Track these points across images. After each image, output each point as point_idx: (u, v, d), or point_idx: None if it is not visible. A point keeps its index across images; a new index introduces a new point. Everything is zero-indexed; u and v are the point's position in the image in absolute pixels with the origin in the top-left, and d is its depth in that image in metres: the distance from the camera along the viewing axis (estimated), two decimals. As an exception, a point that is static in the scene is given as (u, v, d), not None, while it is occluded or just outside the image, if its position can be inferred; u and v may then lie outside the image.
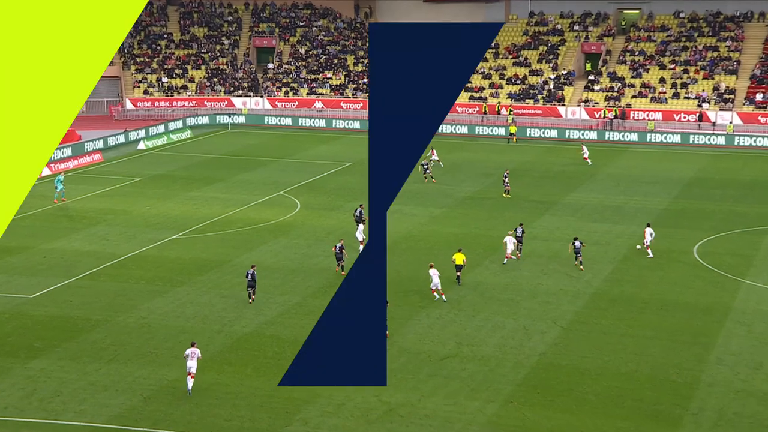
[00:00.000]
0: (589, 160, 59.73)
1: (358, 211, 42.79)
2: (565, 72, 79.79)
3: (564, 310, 33.26)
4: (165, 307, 33.20)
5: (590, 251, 40.55)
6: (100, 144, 63.92)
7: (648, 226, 40.21)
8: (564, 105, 76.45)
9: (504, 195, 50.21)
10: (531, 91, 78.34)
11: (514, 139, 68.66)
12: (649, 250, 39.32)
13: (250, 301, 33.55)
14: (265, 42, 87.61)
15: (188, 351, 26.56)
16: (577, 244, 38.29)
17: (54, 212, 46.73)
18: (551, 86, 78.49)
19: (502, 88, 79.30)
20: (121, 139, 66.37)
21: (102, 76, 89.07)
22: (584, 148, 61.32)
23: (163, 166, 59.19)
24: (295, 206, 48.49)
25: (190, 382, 26.14)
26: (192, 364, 26.08)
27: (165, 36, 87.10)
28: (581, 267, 37.76)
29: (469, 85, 79.96)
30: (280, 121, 75.42)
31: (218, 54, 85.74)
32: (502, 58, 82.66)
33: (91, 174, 56.74)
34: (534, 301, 34.32)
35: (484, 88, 79.54)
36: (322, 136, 70.76)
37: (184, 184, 53.67)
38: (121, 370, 27.78)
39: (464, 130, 72.74)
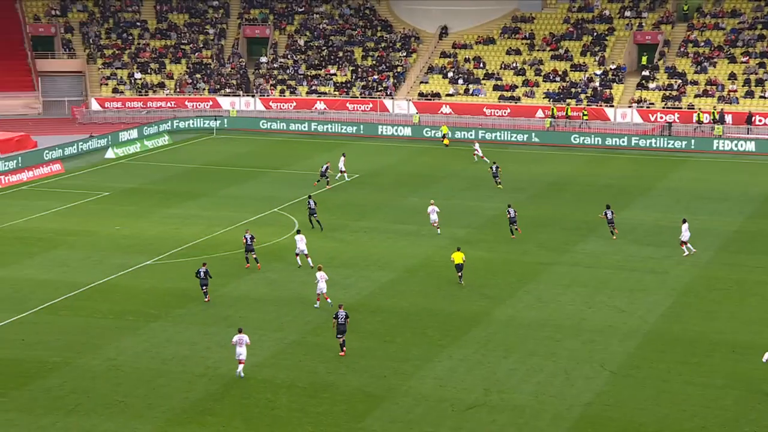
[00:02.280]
0: (485, 158, 62.79)
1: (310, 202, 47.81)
2: (613, 67, 79.91)
3: (613, 352, 33.04)
4: (137, 347, 33.18)
5: (645, 280, 40.35)
6: (59, 152, 64.34)
7: (684, 222, 43.65)
8: (612, 106, 76.46)
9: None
10: (573, 90, 78.43)
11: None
12: (684, 248, 43.11)
13: (206, 300, 37.43)
14: (258, 31, 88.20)
15: (236, 338, 31.06)
16: (609, 214, 45.57)
17: (3, 234, 46.94)
18: (597, 84, 78.58)
19: (538, 86, 79.46)
20: (86, 146, 66.78)
21: (63, 72, 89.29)
22: (476, 145, 64.76)
23: (135, 178, 59.43)
24: (292, 225, 48.55)
25: (240, 367, 30.81)
26: (241, 351, 30.89)
27: (138, 24, 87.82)
28: (614, 235, 45.53)
29: (498, 82, 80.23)
30: (274, 125, 75.66)
31: (201, 46, 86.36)
32: (538, 50, 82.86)
33: (50, 188, 57.04)
34: (577, 340, 34.12)
35: (516, 86, 79.72)
36: (324, 143, 70.87)
37: (160, 200, 53.83)
38: (83, 423, 27.70)
39: (493, 135, 72.72)
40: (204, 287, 37.45)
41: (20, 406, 28.69)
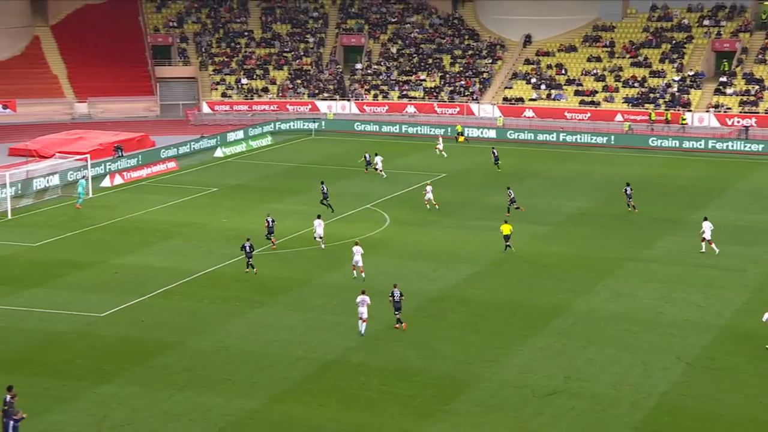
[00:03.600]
0: (444, 153, 64.02)
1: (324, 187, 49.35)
2: (691, 73, 77.87)
3: (690, 344, 32.28)
4: (242, 330, 33.77)
5: (721, 277, 39.28)
6: (174, 151, 65.77)
7: (705, 219, 42.73)
8: (690, 111, 74.53)
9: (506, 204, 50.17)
10: (651, 95, 76.73)
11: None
12: (702, 245, 41.98)
13: (255, 271, 39.42)
14: (353, 40, 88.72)
15: (359, 299, 32.69)
16: (629, 190, 49.41)
17: (126, 224, 48.27)
18: (675, 89, 76.68)
19: (617, 91, 77.97)
20: (197, 145, 68.13)
21: (178, 77, 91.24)
22: (440, 140, 65.90)
23: (241, 175, 60.41)
24: (384, 221, 48.73)
25: (363, 326, 32.55)
26: (363, 310, 32.52)
27: (245, 34, 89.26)
28: (635, 209, 49.22)
29: (579, 88, 79.01)
30: (367, 127, 76.02)
31: (302, 53, 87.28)
32: (618, 57, 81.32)
33: (165, 183, 58.39)
34: (654, 332, 33.44)
35: (596, 92, 78.39)
36: (414, 143, 70.91)
37: (263, 196, 54.61)
38: (195, 398, 28.33)
39: (574, 138, 71.73)
40: (249, 259, 39.40)
41: (141, 381, 29.50)
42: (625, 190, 50.45)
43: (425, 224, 48.04)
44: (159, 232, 46.56)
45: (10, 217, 49.41)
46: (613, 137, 71.05)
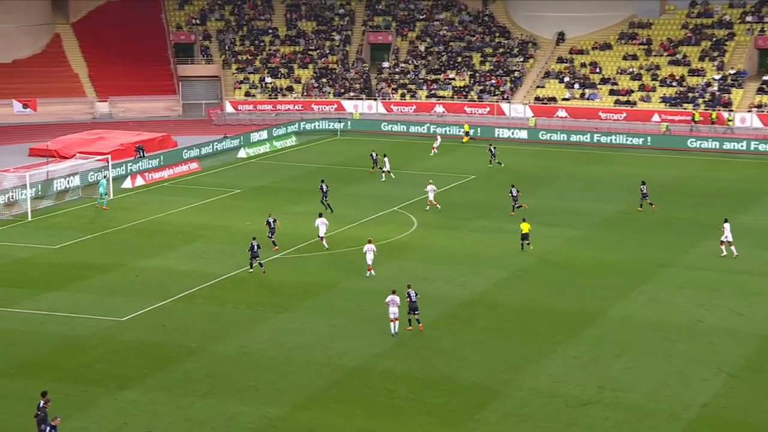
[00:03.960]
0: (436, 151, 65.57)
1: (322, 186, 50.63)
2: (733, 71, 77.18)
3: (731, 354, 32.01)
4: (266, 335, 33.94)
5: (763, 284, 38.91)
6: (197, 151, 66.23)
7: (726, 221, 42.58)
8: (731, 110, 73.87)
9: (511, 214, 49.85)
10: (690, 95, 76.15)
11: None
12: (723, 248, 42.08)
13: (263, 270, 40.27)
14: (380, 38, 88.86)
15: (389, 298, 33.32)
16: (644, 188, 50.60)
17: (147, 227, 48.66)
18: (715, 88, 76.05)
19: (654, 90, 77.51)
20: (220, 146, 68.57)
21: (200, 76, 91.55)
22: (438, 139, 67.54)
23: (265, 176, 60.70)
24: (412, 224, 48.76)
25: (394, 326, 33.25)
26: (394, 310, 33.12)
27: (269, 31, 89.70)
28: (653, 205, 50.18)
29: (614, 87, 78.61)
30: (394, 127, 76.10)
31: (328, 51, 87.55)
32: (655, 55, 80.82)
33: (188, 184, 58.80)
34: (693, 341, 33.20)
35: (632, 91, 77.96)
36: (442, 144, 70.88)
37: (287, 197, 54.83)
38: (218, 405, 28.52)
39: (609, 139, 71.36)
40: (254, 259, 40.17)
41: (162, 386, 29.74)
42: (641, 188, 50.83)
43: (453, 227, 48.02)
44: (181, 235, 46.89)
45: (30, 218, 50.00)
46: (649, 138, 70.63)
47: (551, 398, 28.82)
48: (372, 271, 39.84)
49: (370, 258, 39.80)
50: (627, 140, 70.80)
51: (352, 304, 37.00)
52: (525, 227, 43.59)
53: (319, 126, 76.85)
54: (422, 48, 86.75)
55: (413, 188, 56.05)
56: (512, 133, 73.78)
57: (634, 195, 54.48)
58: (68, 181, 56.27)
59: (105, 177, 55.04)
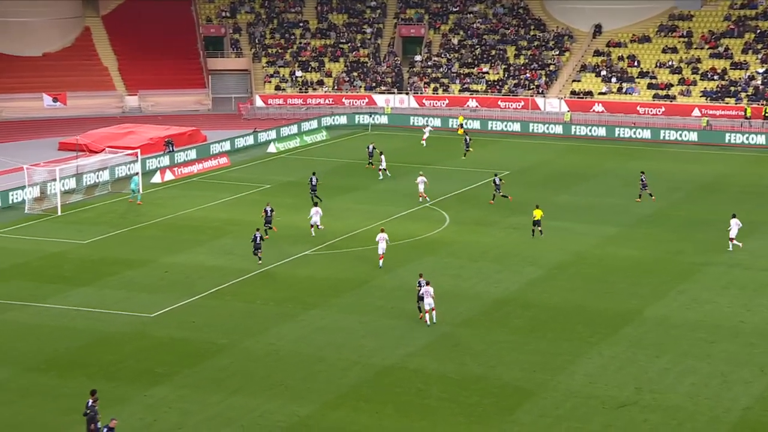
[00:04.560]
0: (423, 143, 66.58)
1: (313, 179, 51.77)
2: (776, 64, 76.22)
3: (773, 356, 31.64)
4: (296, 333, 34.04)
5: (806, 284, 38.44)
6: (227, 146, 66.55)
7: (734, 216, 42.80)
8: (772, 104, 72.93)
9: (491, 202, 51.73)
10: (732, 89, 75.28)
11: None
12: (731, 243, 42.36)
13: (259, 262, 40.86)
14: (413, 31, 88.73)
15: (422, 290, 34.17)
16: (644, 178, 51.11)
17: (176, 222, 48.99)
18: (759, 82, 75.10)
19: (695, 84, 76.72)
20: (250, 140, 68.82)
21: (230, 70, 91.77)
22: (427, 131, 68.44)
23: (295, 171, 60.82)
24: (444, 220, 48.68)
25: (430, 316, 34.27)
26: (429, 301, 34.01)
27: (300, 24, 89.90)
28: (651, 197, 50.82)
29: (653, 81, 77.93)
30: (427, 121, 75.97)
31: (359, 45, 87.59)
32: (696, 48, 79.98)
33: (217, 179, 59.10)
34: (735, 342, 32.82)
35: (672, 85, 77.23)
36: (475, 139, 70.65)
37: (318, 193, 54.88)
38: (248, 402, 28.65)
39: (647, 134, 70.79)
40: (257, 250, 41.10)
41: (191, 384, 29.94)
42: (641, 179, 51.49)
43: (487, 224, 47.88)
44: (210, 230, 47.15)
45: (59, 213, 50.54)
46: (689, 133, 69.93)
47: (587, 399, 28.64)
48: (381, 261, 40.59)
49: (382, 247, 40.64)
50: (666, 135, 70.15)
51: (383, 302, 37.01)
52: (538, 214, 44.74)
53: (349, 120, 76.84)
54: (455, 41, 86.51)
55: (446, 184, 55.94)
56: (547, 128, 73.37)
57: (673, 192, 54.03)
58: (98, 175, 56.81)
59: (137, 173, 55.51)
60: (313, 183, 51.59)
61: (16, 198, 52.32)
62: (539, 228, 44.81)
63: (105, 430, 24.76)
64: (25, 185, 52.64)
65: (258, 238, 41.32)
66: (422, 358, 31.72)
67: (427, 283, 34.37)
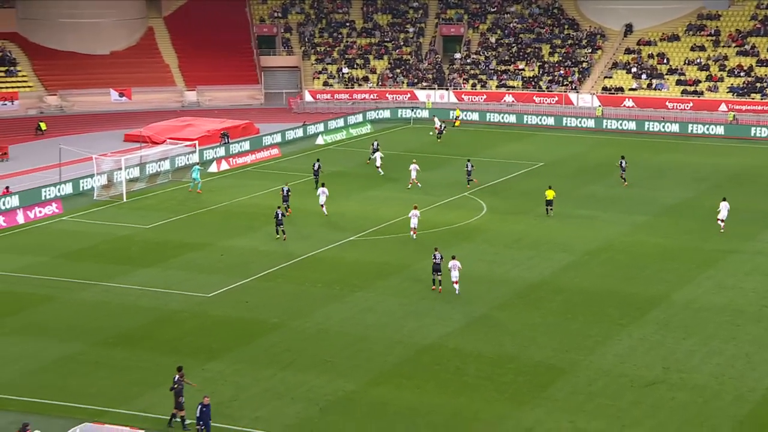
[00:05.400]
0: (430, 133, 66.77)
1: (316, 165, 53.24)
2: (800, 61, 74.63)
3: (795, 340, 31.11)
4: (343, 313, 34.15)
5: (828, 272, 37.72)
6: (278, 138, 66.79)
7: (724, 200, 43.39)
8: (798, 100, 71.48)
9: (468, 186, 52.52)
10: (758, 85, 73.89)
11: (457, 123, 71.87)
12: (721, 224, 42.90)
13: (284, 238, 42.24)
14: (453, 30, 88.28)
15: (451, 264, 35.33)
16: (623, 163, 51.98)
17: (231, 209, 49.35)
18: (783, 78, 73.66)
19: (722, 80, 75.43)
20: (300, 132, 69.02)
21: (281, 67, 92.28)
22: (436, 120, 68.51)
23: (341, 162, 60.91)
24: (481, 209, 48.48)
25: (456, 287, 35.40)
26: (456, 274, 35.28)
27: (347, 24, 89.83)
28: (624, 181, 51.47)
29: (681, 77, 76.75)
30: (466, 115, 75.61)
31: (402, 43, 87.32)
32: (723, 46, 78.59)
33: (269, 169, 59.37)
34: (759, 325, 32.36)
35: (700, 81, 75.99)
36: (512, 132, 70.28)
37: (362, 183, 54.97)
38: (297, 377, 28.85)
39: (675, 128, 69.77)
40: (279, 226, 42.56)
41: (246, 359, 30.21)
42: (620, 163, 52.60)
43: (521, 212, 47.59)
44: (263, 217, 47.40)
45: (125, 200, 51.18)
46: (716, 127, 68.81)
47: (617, 378, 28.42)
48: (414, 234, 41.98)
49: (414, 222, 42.44)
50: (694, 129, 69.11)
51: (423, 285, 36.99)
52: (550, 194, 46.09)
53: (393, 114, 76.68)
54: (493, 40, 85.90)
55: (484, 174, 55.67)
56: (579, 122, 72.63)
57: (700, 183, 53.29)
58: (159, 165, 57.39)
59: (198, 163, 55.94)
60: (316, 168, 53.06)
61: (86, 185, 53.08)
62: (551, 208, 45.74)
63: (199, 406, 24.77)
64: (94, 174, 53.38)
65: (279, 215, 42.62)
66: (460, 338, 31.69)
67: (453, 258, 35.72)
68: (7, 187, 50.56)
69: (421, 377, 28.77)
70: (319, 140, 67.60)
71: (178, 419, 25.74)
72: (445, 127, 66.43)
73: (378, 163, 56.80)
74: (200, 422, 24.73)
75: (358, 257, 40.71)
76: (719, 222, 43.06)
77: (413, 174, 52.69)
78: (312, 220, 46.65)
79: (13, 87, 77.40)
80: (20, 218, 46.69)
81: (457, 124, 71.82)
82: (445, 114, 75.02)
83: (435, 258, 36.05)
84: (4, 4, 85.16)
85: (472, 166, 52.54)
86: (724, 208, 42.98)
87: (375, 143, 60.07)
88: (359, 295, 35.94)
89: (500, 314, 33.89)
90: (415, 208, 43.12)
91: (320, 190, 47.29)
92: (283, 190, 47.01)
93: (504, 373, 28.95)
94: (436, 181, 55.00)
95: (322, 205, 46.79)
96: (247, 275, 38.25)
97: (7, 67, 78.51)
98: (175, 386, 25.78)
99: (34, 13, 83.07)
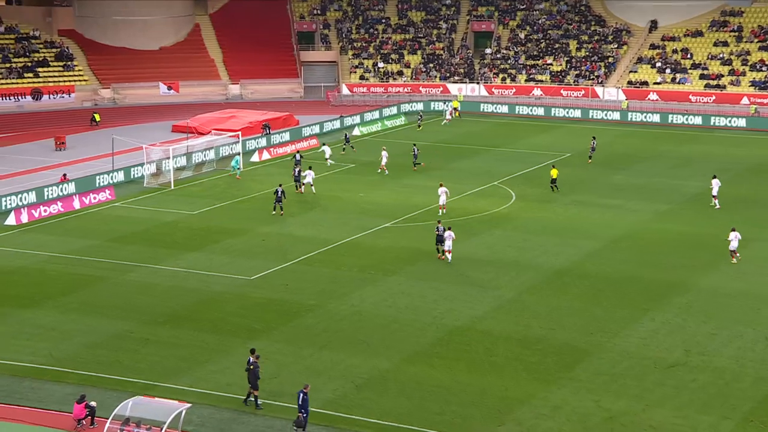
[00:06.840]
0: (444, 121, 67.74)
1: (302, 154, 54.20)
2: (821, 56, 73.07)
3: (814, 325, 30.51)
4: (376, 296, 34.11)
5: None
6: (316, 129, 66.80)
7: (714, 177, 44.31)
8: (818, 93, 70.02)
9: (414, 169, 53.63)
10: (779, 78, 72.52)
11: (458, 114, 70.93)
12: (715, 201, 43.52)
13: (281, 213, 43.27)
14: (484, 26, 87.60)
15: (446, 234, 37.11)
16: (594, 143, 53.82)
17: (272, 196, 49.35)
18: (804, 72, 72.18)
19: (744, 75, 74.08)
20: (337, 124, 68.97)
21: (320, 61, 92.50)
22: (448, 109, 69.59)
23: (376, 152, 60.64)
24: (510, 197, 48.14)
25: (449, 256, 37.15)
26: (449, 243, 37.08)
27: (383, 21, 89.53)
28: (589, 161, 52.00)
29: (704, 72, 75.51)
30: (496, 108, 75.07)
31: (435, 39, 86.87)
32: (746, 41, 77.17)
33: (307, 159, 59.32)
34: (778, 311, 31.77)
35: (722, 75, 74.71)
36: (540, 125, 69.68)
37: (397, 172, 54.77)
38: (334, 356, 28.88)
39: (698, 120, 68.70)
40: (278, 203, 43.56)
41: (286, 339, 30.30)
42: (592, 144, 55.08)
43: (549, 201, 47.19)
44: (301, 204, 47.48)
45: (173, 187, 51.53)
46: (738, 120, 67.64)
47: (640, 360, 28.10)
48: (444, 210, 43.21)
49: (442, 199, 43.55)
50: (716, 121, 67.99)
51: (454, 270, 36.84)
52: (554, 173, 48.26)
53: (426, 107, 76.32)
54: (522, 35, 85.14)
55: (513, 164, 55.31)
56: (605, 115, 71.81)
57: (722, 173, 52.42)
58: (204, 154, 57.68)
59: (238, 153, 56.22)
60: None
61: (136, 174, 53.53)
62: (555, 185, 47.45)
63: (300, 395, 24.33)
64: (144, 162, 53.79)
65: (279, 192, 43.36)
66: (489, 321, 31.52)
67: (449, 229, 36.82)
68: (64, 175, 51.17)
69: (453, 357, 28.68)
70: (356, 131, 67.49)
71: (252, 398, 25.82)
72: (423, 117, 67.59)
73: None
74: (302, 410, 24.09)
75: (391, 243, 40.63)
76: (731, 253, 37.16)
77: (384, 160, 53.23)
78: (348, 207, 46.64)
79: (70, 81, 78.30)
80: (76, 204, 47.31)
81: (456, 115, 71.29)
82: (510, 108, 74.60)
83: (438, 230, 37.79)
84: (63, 3, 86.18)
85: (417, 150, 54.27)
86: (734, 238, 37.10)
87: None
88: (392, 279, 35.88)
89: (528, 298, 33.66)
90: (442, 185, 43.89)
91: (307, 171, 48.84)
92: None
93: (531, 354, 28.76)
94: (466, 170, 54.71)
95: (311, 185, 48.22)
96: (285, 260, 38.34)
97: (64, 62, 79.40)
98: (250, 367, 25.76)
99: (90, 12, 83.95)
